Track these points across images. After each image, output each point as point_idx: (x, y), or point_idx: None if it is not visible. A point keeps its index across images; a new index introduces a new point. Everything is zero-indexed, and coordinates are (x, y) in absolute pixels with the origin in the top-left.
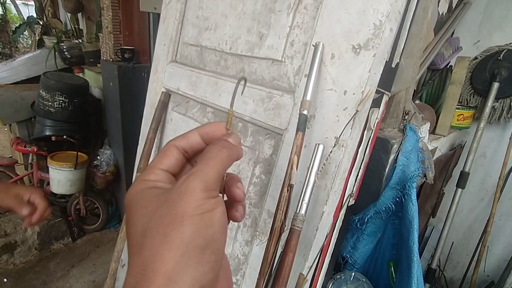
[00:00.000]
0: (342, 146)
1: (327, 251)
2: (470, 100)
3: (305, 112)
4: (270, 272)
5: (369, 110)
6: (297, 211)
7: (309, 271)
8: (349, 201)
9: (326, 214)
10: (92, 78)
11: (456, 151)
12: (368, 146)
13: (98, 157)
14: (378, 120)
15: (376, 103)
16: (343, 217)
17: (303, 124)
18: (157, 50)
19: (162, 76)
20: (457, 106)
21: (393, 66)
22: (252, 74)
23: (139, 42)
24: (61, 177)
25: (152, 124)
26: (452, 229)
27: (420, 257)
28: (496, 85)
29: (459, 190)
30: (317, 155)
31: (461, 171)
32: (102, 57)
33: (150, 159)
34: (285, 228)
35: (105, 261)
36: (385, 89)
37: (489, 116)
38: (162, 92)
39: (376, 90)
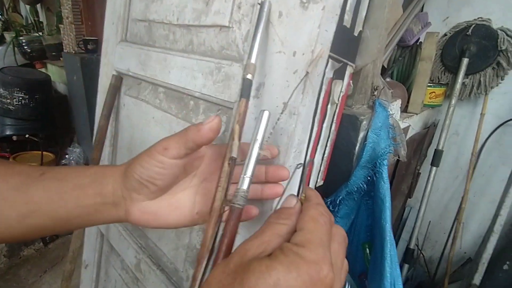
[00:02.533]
0: (294, 114)
1: None
2: (441, 77)
3: (249, 76)
4: (210, 258)
5: (332, 81)
6: (239, 186)
7: None
8: (317, 181)
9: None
10: (56, 72)
11: (429, 130)
12: (334, 121)
13: (67, 156)
14: (343, 93)
15: (339, 75)
16: None
17: (247, 89)
18: (106, 30)
19: (113, 58)
20: (429, 84)
21: (355, 34)
22: (201, 45)
23: (102, 32)
24: None
25: (104, 111)
26: (429, 208)
27: (399, 238)
28: (465, 61)
29: (434, 168)
30: (261, 123)
31: (435, 149)
32: (64, 50)
33: (104, 149)
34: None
35: (81, 264)
36: (347, 59)
37: (460, 93)
38: (113, 75)
39: (337, 59)
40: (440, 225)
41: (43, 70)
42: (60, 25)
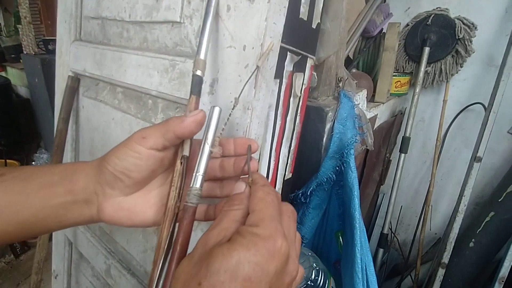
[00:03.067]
0: (248, 108)
1: None
2: (405, 66)
3: (198, 72)
4: (165, 260)
5: (292, 74)
6: (192, 185)
7: None
8: (285, 174)
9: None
10: (16, 75)
11: (397, 118)
12: (298, 114)
13: (33, 162)
14: (306, 86)
15: (299, 68)
16: (280, 191)
17: (196, 86)
18: (59, 29)
19: (67, 58)
20: (394, 74)
21: (313, 26)
22: (155, 42)
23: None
24: None
25: (61, 114)
26: (400, 193)
27: (373, 225)
28: (427, 50)
29: (403, 155)
30: (212, 119)
31: (402, 136)
32: (23, 51)
33: (65, 153)
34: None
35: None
36: (307, 52)
37: (423, 81)
38: (69, 76)
39: (295, 51)
40: (412, 209)
41: (2, 73)
42: (18, 25)
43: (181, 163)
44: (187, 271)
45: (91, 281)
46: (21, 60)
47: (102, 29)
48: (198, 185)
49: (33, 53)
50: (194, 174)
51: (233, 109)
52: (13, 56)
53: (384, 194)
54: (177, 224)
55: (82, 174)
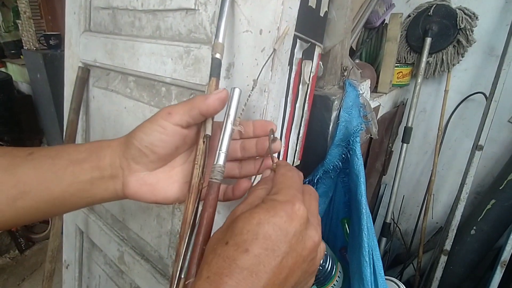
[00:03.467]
0: (264, 91)
1: None
2: (407, 57)
3: (217, 55)
4: (191, 233)
5: (301, 62)
6: (215, 162)
7: None
8: (294, 160)
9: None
10: (17, 71)
11: (399, 108)
12: (307, 101)
13: None
14: (314, 74)
15: (308, 55)
16: None
17: (216, 68)
18: (67, 20)
19: (77, 49)
20: (396, 64)
21: (321, 15)
22: (168, 30)
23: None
24: None
25: (72, 105)
26: (402, 183)
27: (376, 215)
28: (428, 40)
29: (405, 145)
30: (233, 100)
31: (404, 126)
32: (24, 47)
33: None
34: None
35: (61, 268)
36: (315, 40)
37: (425, 72)
38: (79, 67)
39: (305, 39)
40: (414, 198)
41: (2, 69)
42: (17, 21)
43: (204, 142)
44: (217, 236)
45: (103, 268)
46: (21, 56)
47: (113, 19)
48: (221, 162)
49: (34, 48)
50: (217, 151)
51: (252, 90)
52: (13, 52)
53: (386, 184)
54: (201, 202)
55: (108, 150)
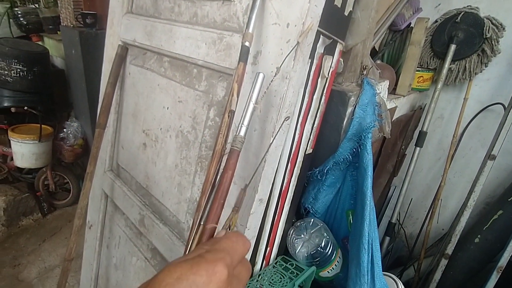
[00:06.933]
0: (286, 78)
1: (285, 197)
2: (430, 62)
3: (246, 43)
4: (212, 190)
5: (322, 56)
6: (237, 133)
7: (260, 205)
8: (306, 148)
9: (274, 147)
10: (53, 46)
11: (416, 112)
12: (324, 94)
13: (65, 129)
14: (333, 69)
15: (329, 51)
16: (301, 164)
17: (244, 55)
18: (111, 1)
19: (118, 29)
20: (418, 69)
21: (345, 14)
22: (204, 17)
23: (101, 6)
24: (24, 151)
25: (110, 79)
26: (412, 187)
27: (382, 216)
28: (453, 47)
29: (418, 149)
30: (257, 83)
31: (419, 130)
32: (62, 23)
33: (109, 116)
34: (226, 151)
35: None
36: (337, 37)
37: (446, 78)
38: (119, 45)
39: (327, 35)
40: (422, 203)
41: (40, 43)
42: None
43: (229, 116)
44: (144, 285)
45: (124, 230)
46: (58, 32)
47: (154, 4)
48: (242, 133)
49: (71, 25)
50: (239, 124)
51: (275, 76)
52: (50, 27)
53: (395, 186)
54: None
55: None
